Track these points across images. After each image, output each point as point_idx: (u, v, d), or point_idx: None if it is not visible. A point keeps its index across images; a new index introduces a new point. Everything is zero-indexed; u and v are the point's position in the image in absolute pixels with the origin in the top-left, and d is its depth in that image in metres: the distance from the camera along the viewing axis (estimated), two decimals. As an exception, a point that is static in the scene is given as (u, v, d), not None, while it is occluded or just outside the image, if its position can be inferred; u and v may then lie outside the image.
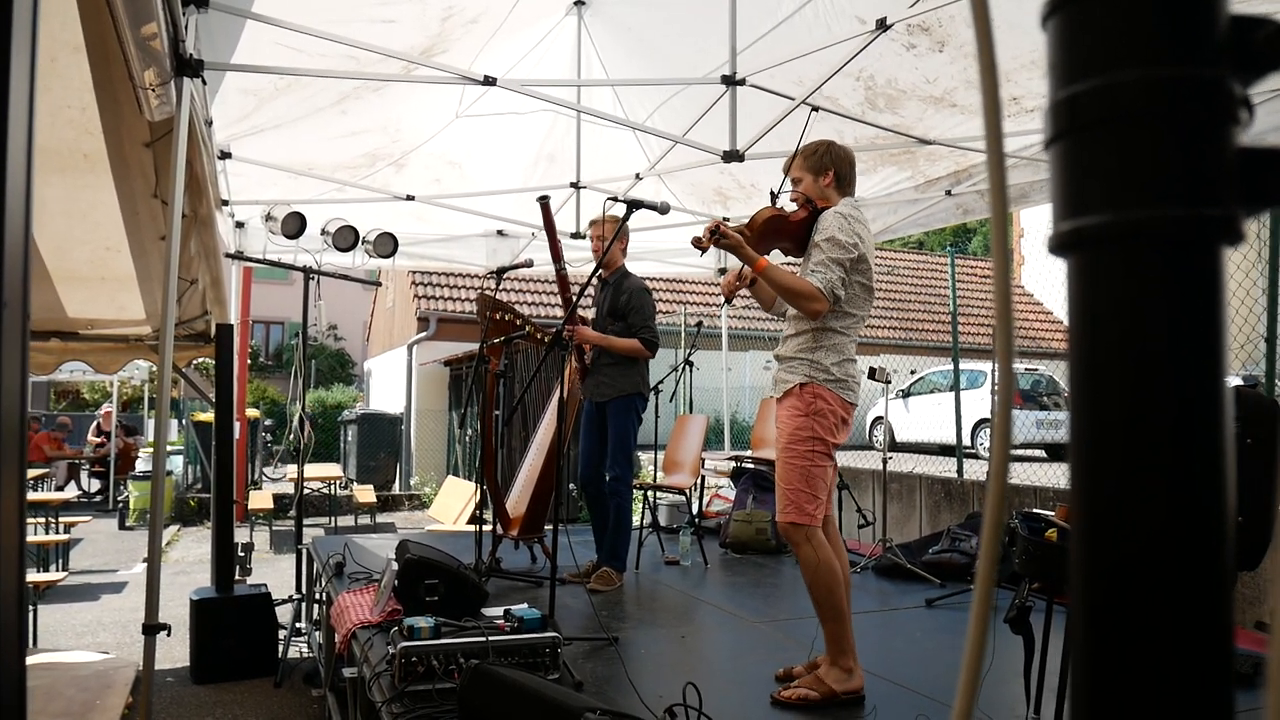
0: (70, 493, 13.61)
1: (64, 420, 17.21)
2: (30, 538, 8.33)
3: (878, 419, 7.23)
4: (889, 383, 5.98)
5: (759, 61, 4.75)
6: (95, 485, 15.62)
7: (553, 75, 5.86)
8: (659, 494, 6.78)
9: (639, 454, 12.13)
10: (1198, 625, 0.42)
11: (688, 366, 7.33)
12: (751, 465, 6.76)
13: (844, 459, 5.71)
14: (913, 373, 14.73)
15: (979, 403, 11.54)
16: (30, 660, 5.61)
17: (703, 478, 7.25)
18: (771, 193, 3.48)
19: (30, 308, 0.57)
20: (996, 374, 0.49)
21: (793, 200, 3.34)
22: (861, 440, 14.57)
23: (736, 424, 12.52)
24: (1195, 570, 0.41)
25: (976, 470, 7.71)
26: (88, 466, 15.97)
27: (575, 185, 6.38)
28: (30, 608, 6.15)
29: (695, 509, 6.58)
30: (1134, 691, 0.43)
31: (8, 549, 0.53)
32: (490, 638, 2.92)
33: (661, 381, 6.49)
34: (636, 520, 6.13)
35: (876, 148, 5.68)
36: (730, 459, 7.48)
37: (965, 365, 11.17)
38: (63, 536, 8.65)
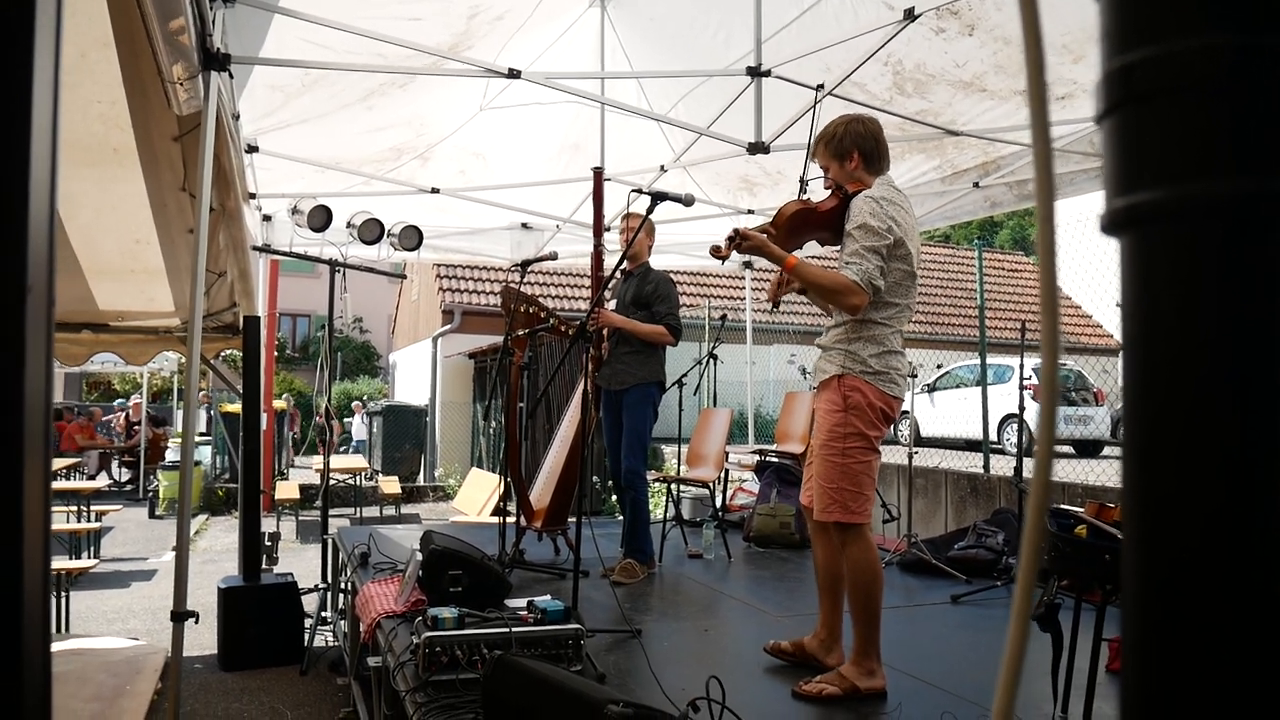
0: (101, 482, 13.80)
1: (95, 410, 17.45)
2: (63, 525, 8.46)
3: (903, 413, 7.19)
4: (914, 377, 5.93)
5: (784, 52, 4.71)
6: (126, 475, 15.81)
7: (577, 68, 5.85)
8: (683, 487, 6.76)
9: (663, 447, 12.16)
10: (1256, 616, 0.40)
11: (712, 360, 7.30)
12: (775, 459, 6.73)
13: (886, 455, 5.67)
14: (939, 367, 14.62)
15: (1006, 398, 11.42)
16: (62, 646, 5.69)
17: (726, 471, 7.23)
18: (801, 180, 3.42)
19: (55, 295, 0.56)
20: (1040, 368, 0.48)
21: (825, 188, 3.19)
22: (887, 435, 14.45)
23: (761, 418, 12.47)
24: (1254, 559, 0.39)
25: (1003, 466, 7.64)
26: (119, 456, 16.17)
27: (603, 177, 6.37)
28: (62, 594, 6.24)
29: (719, 502, 6.56)
30: (1189, 685, 0.41)
31: (33, 535, 0.53)
32: (514, 629, 2.92)
33: (685, 375, 6.47)
34: (660, 513, 6.12)
35: (905, 136, 5.62)
36: (754, 452, 7.46)
37: (992, 360, 11.06)
38: (94, 525, 8.76)
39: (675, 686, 2.89)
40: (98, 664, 5.33)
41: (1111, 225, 0.43)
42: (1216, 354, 0.40)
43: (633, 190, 4.13)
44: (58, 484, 10.67)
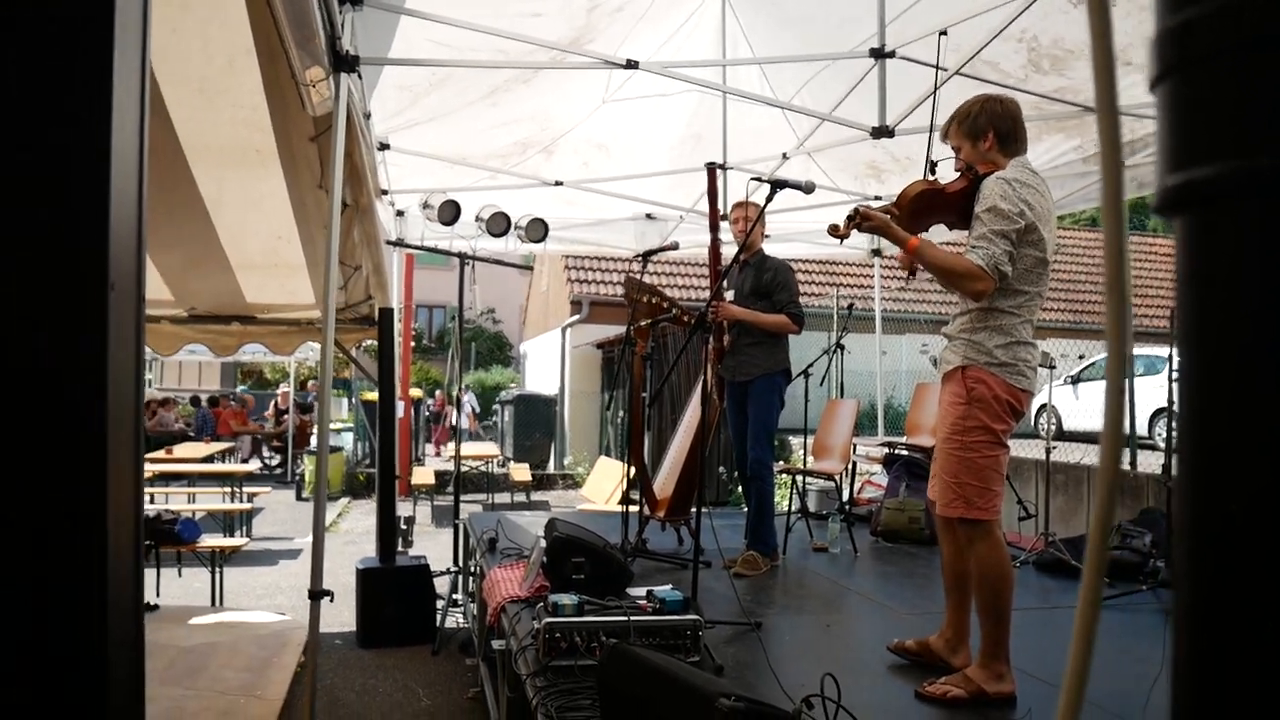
0: (253, 465, 14.66)
1: (247, 398, 18.53)
2: (216, 505, 9.03)
3: (1042, 406, 6.88)
4: (1054, 368, 5.68)
5: (908, 32, 4.56)
6: (275, 459, 16.71)
7: (698, 56, 5.82)
8: (808, 479, 6.67)
9: (789, 438, 12.01)
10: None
11: (838, 350, 7.16)
12: (905, 452, 6.56)
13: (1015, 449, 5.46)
14: (1081, 358, 13.91)
15: (1156, 390, 10.78)
16: (217, 618, 6.08)
17: (854, 464, 7.09)
18: (929, 162, 3.30)
19: (145, 290, 0.59)
20: (1108, 358, 0.43)
21: (955, 170, 3.05)
22: (1025, 428, 13.88)
23: (891, 409, 12.16)
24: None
25: (1152, 462, 7.22)
26: (269, 441, 17.11)
27: (722, 167, 6.32)
28: (218, 570, 6.65)
29: (845, 495, 6.44)
30: (1238, 664, 0.37)
31: (126, 517, 0.56)
32: (632, 618, 2.94)
33: (811, 365, 6.37)
34: (785, 505, 6.05)
35: (1042, 115, 5.36)
36: (883, 445, 7.28)
37: (1141, 350, 10.45)
38: (246, 505, 9.31)
39: (794, 682, 2.84)
40: (248, 636, 5.66)
41: (1165, 205, 0.38)
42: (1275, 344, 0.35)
43: (751, 178, 4.08)
44: (214, 466, 11.39)
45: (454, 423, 6.49)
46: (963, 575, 3.03)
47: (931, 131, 3.20)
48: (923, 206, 3.01)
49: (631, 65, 4.43)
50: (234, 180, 4.50)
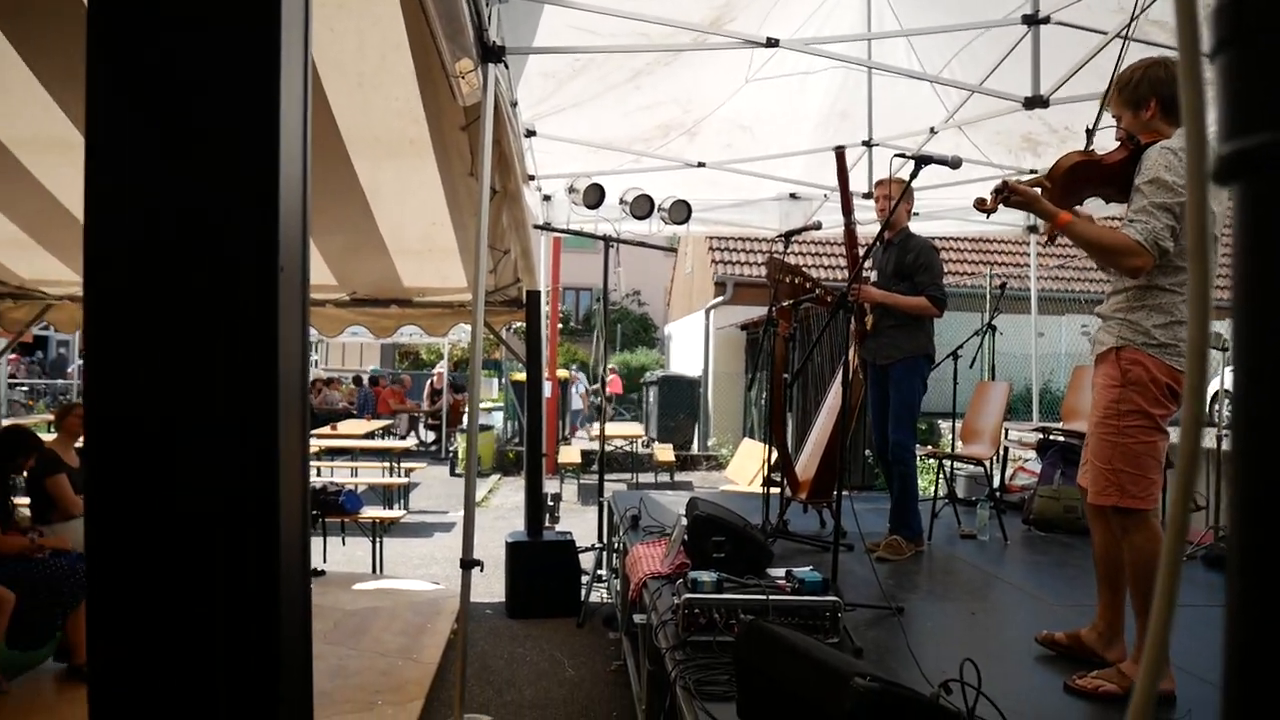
0: (410, 442, 15.37)
1: (404, 378, 19.42)
2: (377, 479, 9.54)
3: (1216, 393, 6.42)
4: (1225, 350, 5.31)
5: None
6: (431, 436, 17.46)
7: (841, 31, 5.71)
8: (956, 464, 6.48)
9: (938, 422, 11.67)
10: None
11: (990, 330, 6.92)
12: (1061, 438, 6.28)
13: (1175, 435, 5.16)
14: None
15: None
16: (377, 585, 6.45)
17: (1005, 449, 6.85)
18: (1087, 130, 3.14)
19: (310, 273, 0.65)
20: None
21: (1116, 139, 2.88)
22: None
23: (1049, 394, 11.63)
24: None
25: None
26: (425, 419, 17.89)
27: (867, 144, 6.19)
28: (378, 540, 7.04)
29: (996, 482, 6.23)
30: None
31: (295, 486, 0.63)
32: (770, 596, 2.95)
33: (961, 346, 6.18)
34: (931, 491, 5.92)
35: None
36: (1037, 430, 7.00)
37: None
38: (403, 480, 9.80)
39: (935, 668, 2.79)
40: (405, 603, 5.99)
41: (1223, 173, 0.37)
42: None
43: (895, 155, 3.98)
44: (375, 443, 12.01)
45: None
46: (1116, 566, 2.90)
47: (1102, 99, 3.03)
48: (1077, 179, 2.87)
49: (772, 44, 4.40)
50: (390, 169, 4.73)
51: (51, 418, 8.88)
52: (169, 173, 0.61)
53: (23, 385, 20.07)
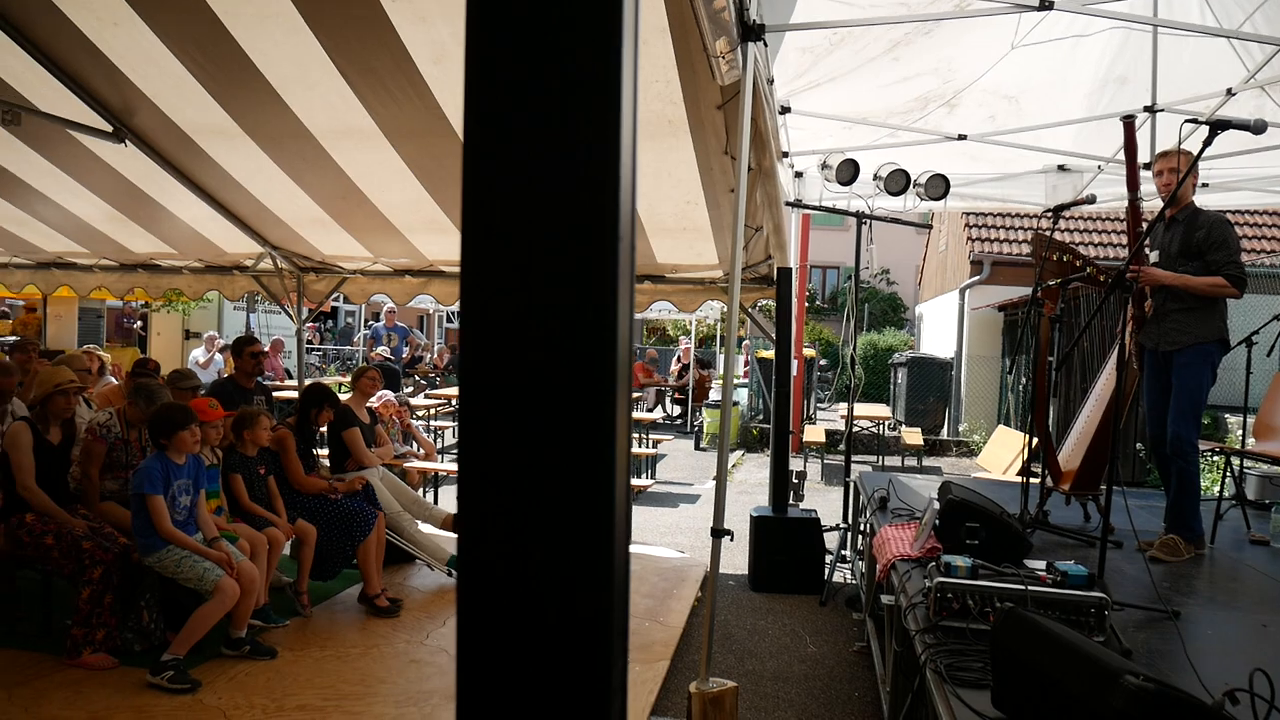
0: (657, 415, 15.84)
1: (651, 352, 20.00)
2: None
3: None
4: None
5: None
6: (676, 410, 17.90)
7: (1127, -13, 5.27)
8: (1247, 462, 5.88)
9: (1225, 415, 10.58)
10: None
11: (1292, 314, 6.19)
12: (1381, 437, 5.54)
13: None
14: None
15: None
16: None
17: (1308, 447, 6.12)
18: None
19: (636, 244, 0.73)
20: None
21: None
22: None
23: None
24: None
25: None
26: (671, 393, 18.36)
27: (1150, 109, 5.69)
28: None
29: (1295, 483, 5.59)
30: None
31: (623, 450, 0.70)
32: (1030, 587, 2.85)
33: (1257, 332, 5.58)
34: (1216, 490, 5.41)
35: None
36: (1351, 427, 6.20)
37: None
38: (651, 451, 10.16)
39: (1216, 679, 2.59)
40: (652, 568, 6.24)
41: None
42: None
43: (1185, 120, 3.64)
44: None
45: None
46: None
47: None
48: None
49: (1046, 6, 4.14)
50: (649, 150, 4.90)
51: (342, 379, 9.93)
52: (538, 153, 0.69)
53: (318, 350, 22.45)
